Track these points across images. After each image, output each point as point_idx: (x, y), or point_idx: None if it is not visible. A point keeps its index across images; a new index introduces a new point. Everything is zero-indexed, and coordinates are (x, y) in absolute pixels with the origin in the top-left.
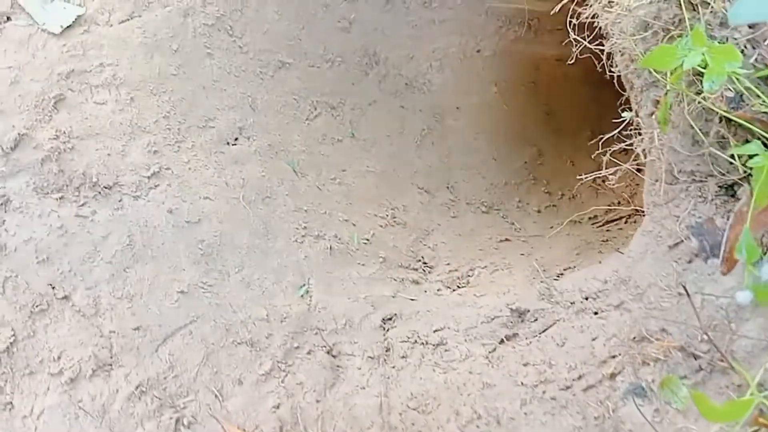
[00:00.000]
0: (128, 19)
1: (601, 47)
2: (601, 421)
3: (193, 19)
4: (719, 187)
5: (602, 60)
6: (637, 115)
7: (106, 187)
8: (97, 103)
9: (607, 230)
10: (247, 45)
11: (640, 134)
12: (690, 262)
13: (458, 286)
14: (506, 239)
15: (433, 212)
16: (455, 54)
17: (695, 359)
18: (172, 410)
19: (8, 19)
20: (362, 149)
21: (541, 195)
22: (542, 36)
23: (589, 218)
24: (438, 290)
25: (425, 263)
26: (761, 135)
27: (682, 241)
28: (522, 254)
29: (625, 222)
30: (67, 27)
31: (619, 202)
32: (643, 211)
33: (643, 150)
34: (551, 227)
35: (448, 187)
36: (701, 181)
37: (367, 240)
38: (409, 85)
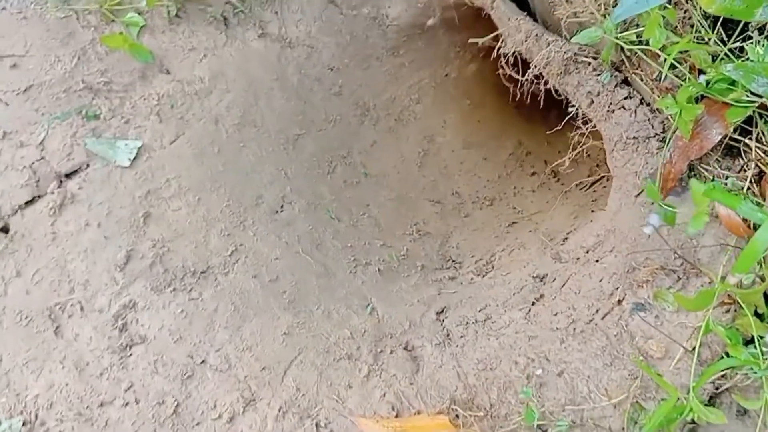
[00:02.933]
0: (176, 139)
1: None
2: (619, 336)
3: (223, 123)
4: (659, 142)
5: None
6: (579, 108)
7: (202, 272)
8: (174, 210)
9: (594, 191)
10: (268, 129)
11: (587, 122)
12: (652, 203)
13: (486, 272)
14: (514, 222)
15: (447, 218)
16: (428, 84)
17: (674, 273)
18: (309, 419)
19: (88, 165)
20: (376, 183)
21: (531, 178)
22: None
23: (576, 185)
24: (471, 279)
25: (454, 261)
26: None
27: (643, 189)
28: (530, 231)
29: (607, 180)
30: (134, 158)
31: (597, 165)
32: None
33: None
34: (547, 202)
35: (453, 194)
36: (645, 141)
37: (404, 256)
38: (398, 121)
